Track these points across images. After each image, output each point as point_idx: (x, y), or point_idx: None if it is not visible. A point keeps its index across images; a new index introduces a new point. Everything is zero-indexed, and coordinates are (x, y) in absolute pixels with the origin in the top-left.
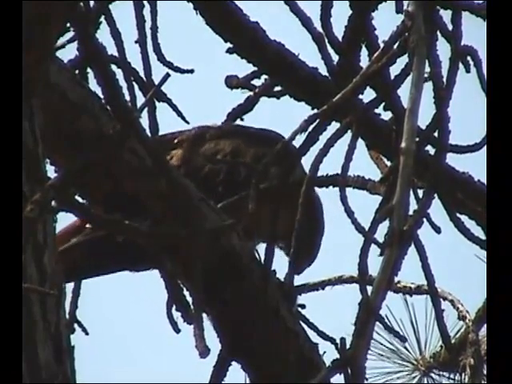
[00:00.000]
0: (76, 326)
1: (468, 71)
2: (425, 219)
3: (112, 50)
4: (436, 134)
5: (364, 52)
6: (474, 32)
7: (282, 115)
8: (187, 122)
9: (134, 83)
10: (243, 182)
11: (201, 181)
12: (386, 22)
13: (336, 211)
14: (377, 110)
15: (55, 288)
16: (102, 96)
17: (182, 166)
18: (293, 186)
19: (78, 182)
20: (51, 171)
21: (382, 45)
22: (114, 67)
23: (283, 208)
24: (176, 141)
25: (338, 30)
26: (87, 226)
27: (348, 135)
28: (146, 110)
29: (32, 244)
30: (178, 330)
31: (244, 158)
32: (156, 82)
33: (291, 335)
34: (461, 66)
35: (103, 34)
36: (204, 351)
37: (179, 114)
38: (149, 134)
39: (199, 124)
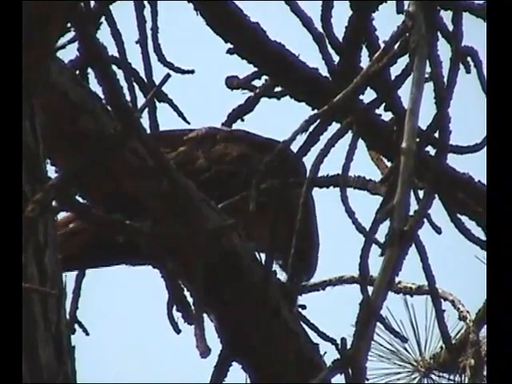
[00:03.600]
0: (76, 326)
1: (468, 72)
2: (425, 220)
3: (113, 50)
4: (437, 135)
5: (364, 52)
6: (475, 33)
7: (282, 116)
8: (188, 123)
9: (134, 84)
10: (244, 183)
11: (204, 181)
12: (386, 22)
13: (337, 211)
14: (377, 111)
15: (56, 288)
16: (102, 96)
17: (187, 165)
18: (288, 200)
19: (78, 182)
20: (52, 171)
21: (382, 45)
22: (114, 68)
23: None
24: (185, 138)
25: (339, 31)
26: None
27: (348, 136)
28: (146, 110)
29: (33, 244)
30: (178, 331)
31: (249, 164)
32: (157, 83)
33: (291, 335)
34: (461, 66)
35: (104, 35)
36: (205, 351)
37: (180, 115)
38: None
39: (205, 125)
